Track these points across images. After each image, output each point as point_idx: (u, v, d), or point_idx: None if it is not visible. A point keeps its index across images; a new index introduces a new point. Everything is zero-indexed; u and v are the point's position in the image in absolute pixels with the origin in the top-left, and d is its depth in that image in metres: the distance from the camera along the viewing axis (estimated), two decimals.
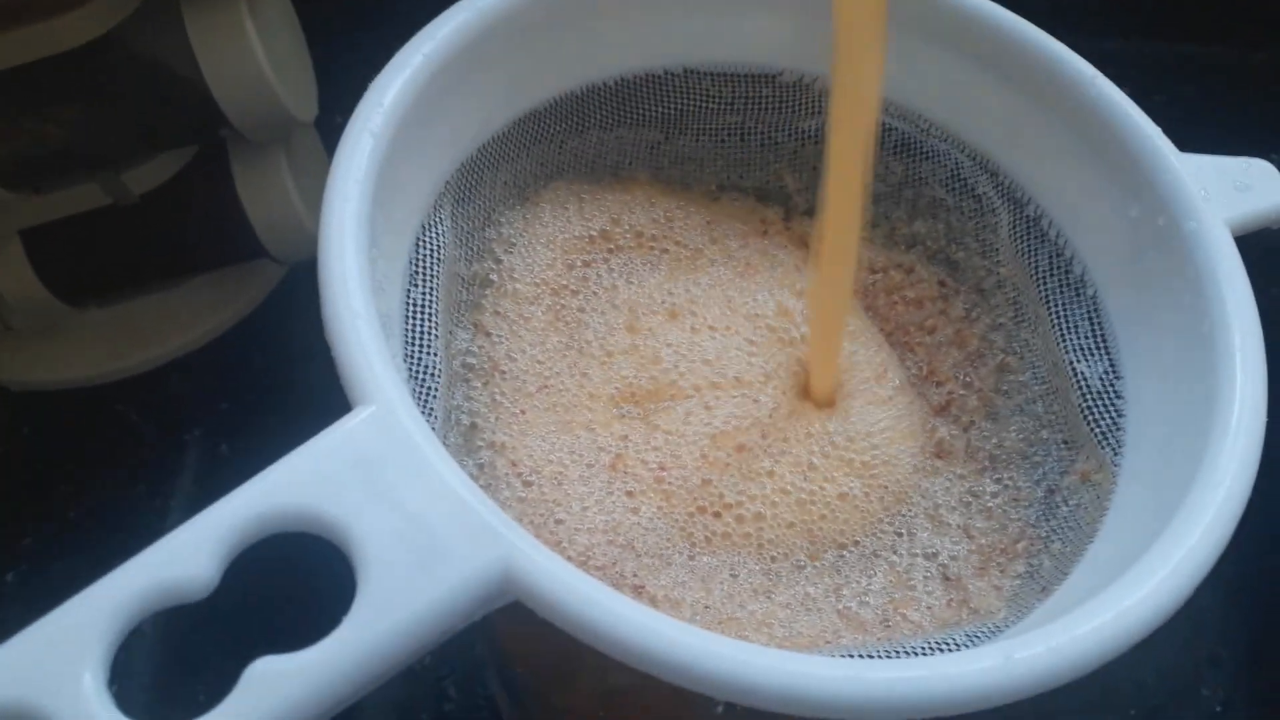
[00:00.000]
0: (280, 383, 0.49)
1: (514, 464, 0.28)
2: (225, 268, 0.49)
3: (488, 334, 0.30)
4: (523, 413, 0.29)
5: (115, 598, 0.18)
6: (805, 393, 0.31)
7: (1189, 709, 0.45)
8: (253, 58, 0.39)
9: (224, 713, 0.17)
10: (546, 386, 0.30)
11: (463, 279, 0.30)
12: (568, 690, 0.34)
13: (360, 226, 0.24)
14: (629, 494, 0.28)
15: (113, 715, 0.17)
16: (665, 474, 0.29)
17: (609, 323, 0.31)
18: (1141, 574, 0.21)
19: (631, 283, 0.33)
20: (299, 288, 0.51)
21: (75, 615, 0.18)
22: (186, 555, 0.19)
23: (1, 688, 0.17)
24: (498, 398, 0.29)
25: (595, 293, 0.32)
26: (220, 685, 0.18)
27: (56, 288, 0.46)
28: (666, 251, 0.33)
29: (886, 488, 0.29)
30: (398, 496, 0.20)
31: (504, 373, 0.30)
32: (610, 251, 0.33)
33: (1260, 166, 0.29)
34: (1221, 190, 0.28)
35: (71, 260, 0.46)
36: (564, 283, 0.32)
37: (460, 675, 0.44)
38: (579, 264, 0.32)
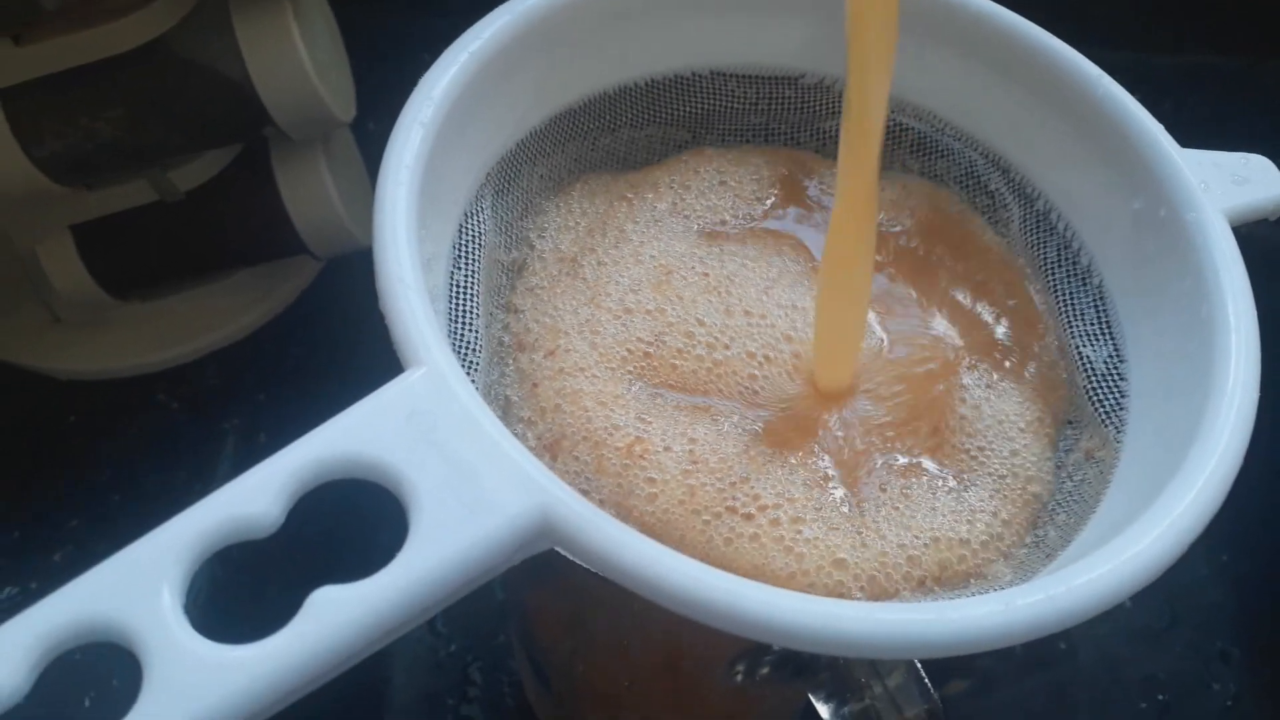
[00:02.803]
0: (316, 373, 0.51)
1: (539, 437, 0.29)
2: (265, 263, 0.51)
3: (519, 313, 0.31)
4: (535, 386, 0.30)
5: (190, 532, 0.20)
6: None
7: (1200, 704, 0.46)
8: (298, 60, 0.41)
9: (290, 633, 0.19)
10: (553, 351, 0.30)
11: (502, 265, 0.32)
12: (591, 661, 0.35)
13: (410, 207, 0.26)
14: (649, 480, 0.28)
15: (188, 632, 0.19)
16: (695, 467, 0.28)
17: (633, 278, 0.32)
18: (1135, 535, 0.23)
19: (660, 239, 0.33)
20: (335, 283, 0.53)
21: (154, 545, 0.20)
22: (255, 496, 0.20)
23: (87, 606, 0.19)
24: (523, 373, 0.30)
25: (616, 244, 0.33)
26: (285, 612, 0.20)
27: (104, 280, 0.48)
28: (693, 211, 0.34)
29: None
30: (447, 447, 0.21)
31: (524, 346, 0.31)
32: (634, 209, 0.34)
33: (1257, 161, 0.31)
34: (1220, 183, 0.29)
35: (119, 254, 0.48)
36: (589, 244, 0.33)
37: (485, 662, 0.46)
38: (600, 228, 0.33)
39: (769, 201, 0.35)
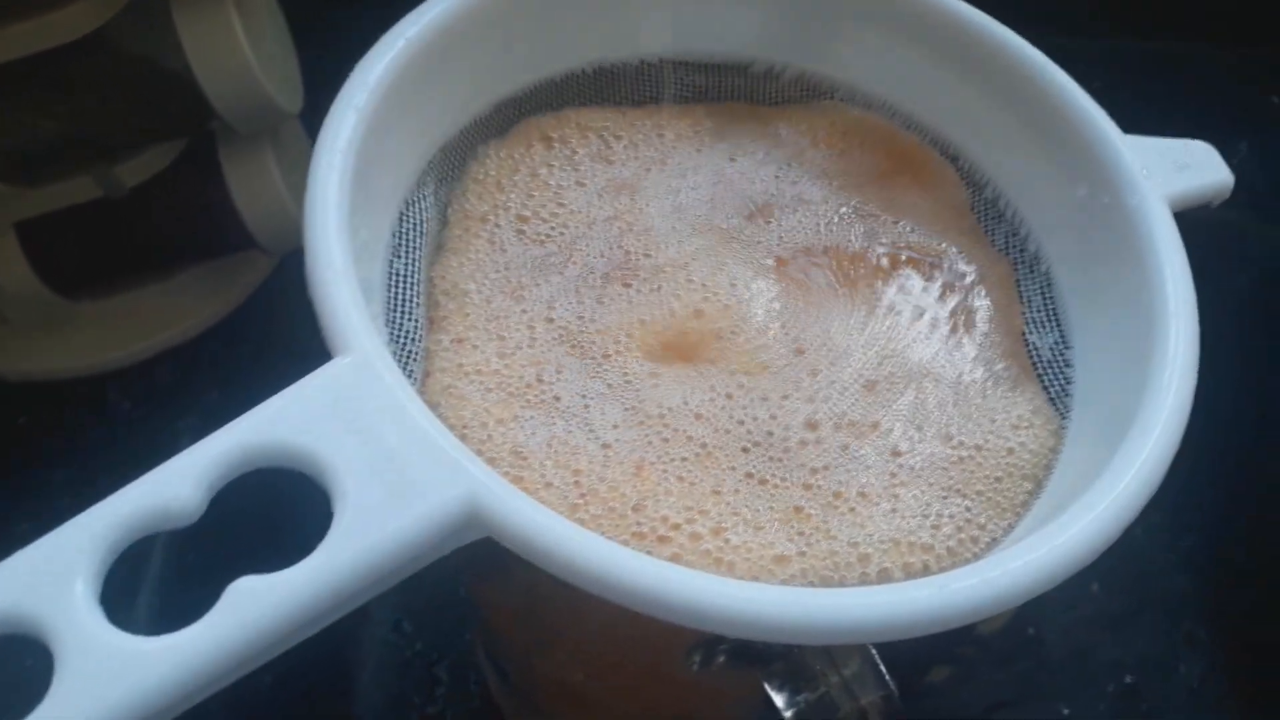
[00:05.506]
0: (269, 371, 0.50)
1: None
2: (216, 259, 0.51)
3: (432, 282, 0.30)
4: (428, 375, 0.28)
5: (107, 520, 0.19)
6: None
7: (1167, 686, 0.47)
8: (239, 51, 0.41)
9: (205, 624, 0.19)
10: (461, 339, 0.29)
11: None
12: (547, 655, 0.35)
13: (343, 194, 0.25)
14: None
15: (102, 624, 0.18)
16: (583, 500, 0.26)
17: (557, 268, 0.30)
18: (1072, 517, 0.23)
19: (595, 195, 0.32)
20: (287, 281, 0.53)
21: (69, 535, 0.19)
22: (175, 485, 0.20)
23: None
24: (429, 353, 0.28)
25: (530, 192, 0.32)
26: (204, 604, 0.19)
27: (51, 280, 0.47)
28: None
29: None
30: (373, 435, 0.21)
31: (433, 322, 0.29)
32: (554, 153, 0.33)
33: (1199, 147, 0.31)
34: (1162, 169, 0.29)
35: (65, 252, 0.48)
36: (499, 201, 0.32)
37: (451, 661, 0.45)
38: (509, 181, 0.32)
39: (706, 145, 0.34)
